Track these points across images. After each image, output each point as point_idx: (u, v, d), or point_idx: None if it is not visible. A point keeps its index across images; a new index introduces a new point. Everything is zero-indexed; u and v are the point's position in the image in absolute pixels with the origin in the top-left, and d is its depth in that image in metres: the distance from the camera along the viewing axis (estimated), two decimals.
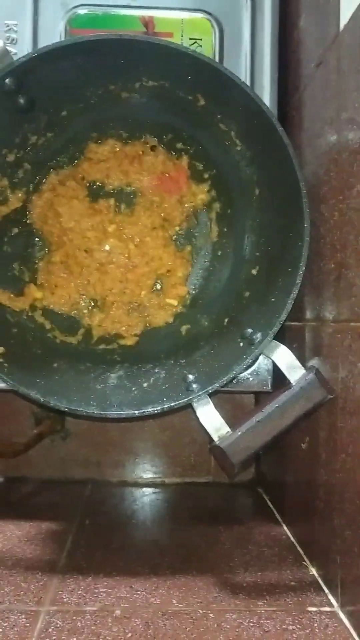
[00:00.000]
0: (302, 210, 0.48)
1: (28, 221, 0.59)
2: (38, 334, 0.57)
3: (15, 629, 0.41)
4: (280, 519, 0.62)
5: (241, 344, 0.52)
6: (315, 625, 0.42)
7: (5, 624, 0.41)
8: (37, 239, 0.59)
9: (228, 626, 0.42)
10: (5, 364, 0.50)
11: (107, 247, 0.60)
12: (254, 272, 0.55)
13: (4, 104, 0.49)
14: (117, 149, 0.59)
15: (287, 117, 0.60)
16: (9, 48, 0.53)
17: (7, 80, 0.47)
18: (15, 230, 0.58)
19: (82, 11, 0.60)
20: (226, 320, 0.56)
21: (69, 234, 0.59)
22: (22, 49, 0.58)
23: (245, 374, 0.57)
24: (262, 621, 0.42)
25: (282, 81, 0.60)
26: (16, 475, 0.76)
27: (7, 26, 0.58)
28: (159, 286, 0.61)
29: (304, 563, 0.52)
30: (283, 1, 0.60)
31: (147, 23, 0.60)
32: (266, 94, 0.59)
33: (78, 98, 0.54)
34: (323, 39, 0.50)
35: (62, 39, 0.59)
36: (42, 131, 0.55)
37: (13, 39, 0.58)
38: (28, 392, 0.49)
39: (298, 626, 0.42)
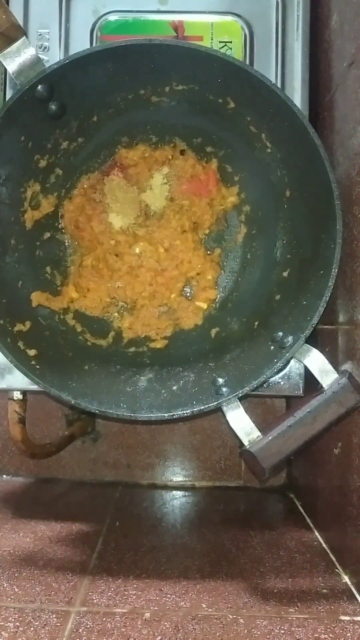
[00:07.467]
0: (334, 212, 0.47)
1: (59, 225, 0.60)
2: (69, 337, 0.58)
3: (47, 628, 0.41)
4: (312, 525, 0.61)
5: (272, 348, 0.51)
6: (349, 635, 0.41)
7: (36, 623, 0.42)
8: (68, 243, 0.60)
9: (258, 632, 0.41)
10: (38, 367, 0.51)
11: (137, 251, 0.60)
12: (285, 274, 0.55)
13: (36, 110, 0.50)
14: (147, 155, 0.59)
15: (319, 118, 0.59)
16: (40, 55, 0.54)
17: (39, 87, 0.48)
18: (47, 234, 0.58)
19: (112, 17, 0.60)
20: (256, 323, 0.56)
21: (99, 237, 0.60)
22: (53, 56, 0.59)
23: (277, 377, 0.56)
24: (293, 629, 0.42)
25: (313, 82, 0.59)
26: (47, 476, 0.77)
27: (39, 34, 0.59)
28: (188, 289, 0.61)
29: (337, 570, 0.51)
30: (314, 1, 0.60)
31: (177, 27, 0.60)
32: (297, 95, 0.58)
33: (108, 103, 0.54)
34: (355, 39, 0.50)
35: (93, 45, 0.60)
36: (73, 136, 0.56)
37: (45, 47, 0.59)
38: (59, 394, 0.50)
39: (330, 635, 0.41)
